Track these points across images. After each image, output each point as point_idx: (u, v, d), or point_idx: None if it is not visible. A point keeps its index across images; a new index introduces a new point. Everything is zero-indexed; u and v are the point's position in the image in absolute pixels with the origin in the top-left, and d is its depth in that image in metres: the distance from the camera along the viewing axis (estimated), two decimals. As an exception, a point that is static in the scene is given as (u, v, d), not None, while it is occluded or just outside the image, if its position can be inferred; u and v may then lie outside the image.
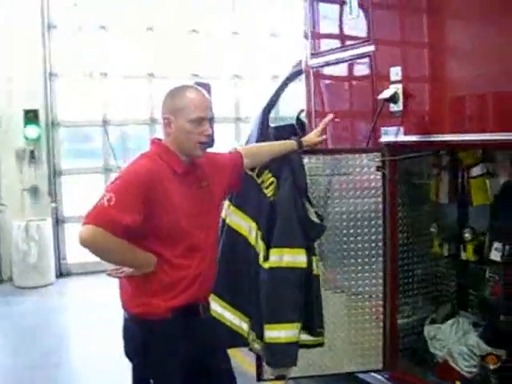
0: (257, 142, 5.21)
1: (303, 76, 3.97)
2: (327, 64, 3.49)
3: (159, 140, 2.52)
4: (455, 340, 3.17)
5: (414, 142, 2.98)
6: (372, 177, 3.12)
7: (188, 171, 2.46)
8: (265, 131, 5.22)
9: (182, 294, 2.37)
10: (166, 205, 2.33)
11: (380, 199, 3.13)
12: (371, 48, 3.15)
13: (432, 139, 2.87)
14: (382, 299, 3.21)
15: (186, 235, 2.40)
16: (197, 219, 2.44)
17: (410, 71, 2.96)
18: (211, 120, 2.47)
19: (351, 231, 3.17)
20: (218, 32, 8.78)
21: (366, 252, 3.19)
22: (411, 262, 3.50)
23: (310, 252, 2.96)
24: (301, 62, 4.82)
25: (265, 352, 2.92)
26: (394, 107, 3.03)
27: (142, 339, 2.37)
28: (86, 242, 2.19)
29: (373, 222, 3.16)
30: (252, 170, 2.94)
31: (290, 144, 2.97)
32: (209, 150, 2.68)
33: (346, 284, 3.24)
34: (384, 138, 3.12)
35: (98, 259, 2.31)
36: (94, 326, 5.66)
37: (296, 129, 5.20)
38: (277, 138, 5.14)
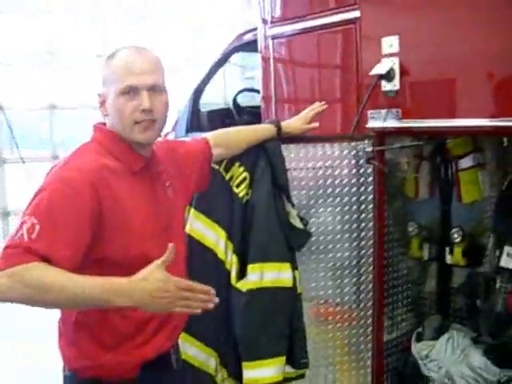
0: (187, 128, 4.60)
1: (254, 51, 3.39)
2: (295, 34, 2.88)
3: (104, 125, 1.79)
4: (454, 359, 2.70)
5: (414, 128, 2.45)
6: (362, 170, 2.56)
7: (146, 167, 1.76)
8: (196, 116, 4.60)
9: (148, 343, 1.68)
10: (120, 219, 1.62)
11: (370, 197, 2.58)
12: (356, 14, 2.58)
13: (440, 125, 2.34)
14: (370, 312, 2.67)
15: (147, 259, 1.62)
16: (161, 235, 1.73)
17: (410, 41, 2.41)
18: (155, 89, 1.71)
19: (337, 236, 2.60)
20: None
21: (353, 257, 2.64)
22: (390, 268, 3.00)
23: (293, 266, 2.37)
24: (246, 33, 4.23)
25: (245, 396, 2.31)
26: (386, 86, 2.49)
27: None
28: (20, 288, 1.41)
29: (363, 224, 2.61)
30: (217, 162, 2.30)
31: (267, 129, 2.35)
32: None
33: (323, 293, 2.66)
34: (372, 124, 2.57)
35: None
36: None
37: (233, 113, 4.62)
38: (211, 124, 4.56)
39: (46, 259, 1.44)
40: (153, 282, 1.44)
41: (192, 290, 1.49)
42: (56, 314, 1.68)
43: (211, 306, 1.53)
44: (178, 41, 8.30)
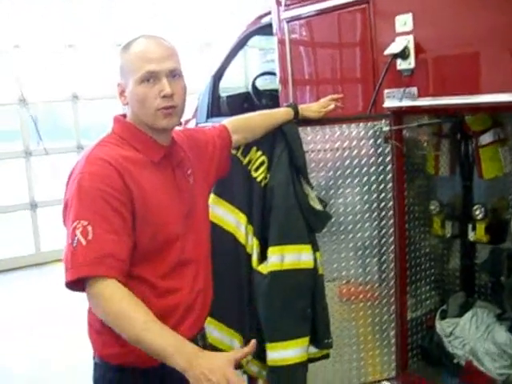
0: (207, 114, 4.61)
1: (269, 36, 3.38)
2: (309, 16, 2.87)
3: (124, 116, 1.81)
4: (478, 336, 2.70)
5: (431, 106, 2.43)
6: (380, 150, 2.56)
7: (166, 155, 1.79)
8: (216, 101, 4.61)
9: (175, 330, 1.69)
10: (145, 208, 1.65)
11: (389, 176, 2.58)
12: (369, -8, 2.56)
13: (458, 102, 2.32)
14: (393, 290, 2.68)
15: (172, 246, 1.72)
16: (185, 222, 1.77)
17: (424, 18, 2.39)
18: (173, 74, 1.73)
19: (358, 216, 2.62)
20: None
21: (375, 236, 2.64)
22: (412, 247, 2.99)
23: (314, 247, 2.39)
24: (260, 18, 4.21)
25: (269, 377, 2.35)
26: (402, 64, 2.48)
27: None
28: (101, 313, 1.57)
29: (383, 204, 2.61)
30: (235, 147, 2.32)
31: (285, 113, 2.36)
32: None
33: (346, 273, 2.69)
34: (389, 103, 2.57)
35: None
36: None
37: (252, 97, 4.62)
38: (231, 109, 4.57)
39: (108, 255, 1.52)
40: (206, 365, 1.42)
41: None
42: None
43: None
44: (189, 22, 8.21)
